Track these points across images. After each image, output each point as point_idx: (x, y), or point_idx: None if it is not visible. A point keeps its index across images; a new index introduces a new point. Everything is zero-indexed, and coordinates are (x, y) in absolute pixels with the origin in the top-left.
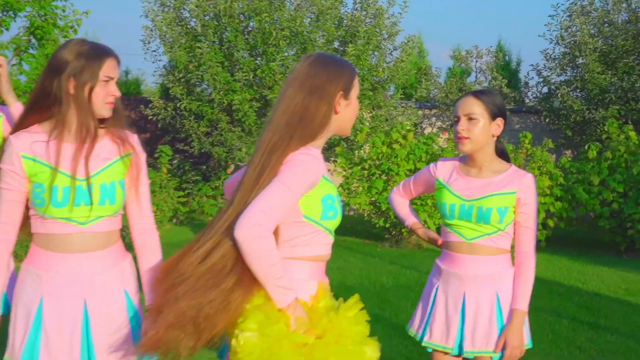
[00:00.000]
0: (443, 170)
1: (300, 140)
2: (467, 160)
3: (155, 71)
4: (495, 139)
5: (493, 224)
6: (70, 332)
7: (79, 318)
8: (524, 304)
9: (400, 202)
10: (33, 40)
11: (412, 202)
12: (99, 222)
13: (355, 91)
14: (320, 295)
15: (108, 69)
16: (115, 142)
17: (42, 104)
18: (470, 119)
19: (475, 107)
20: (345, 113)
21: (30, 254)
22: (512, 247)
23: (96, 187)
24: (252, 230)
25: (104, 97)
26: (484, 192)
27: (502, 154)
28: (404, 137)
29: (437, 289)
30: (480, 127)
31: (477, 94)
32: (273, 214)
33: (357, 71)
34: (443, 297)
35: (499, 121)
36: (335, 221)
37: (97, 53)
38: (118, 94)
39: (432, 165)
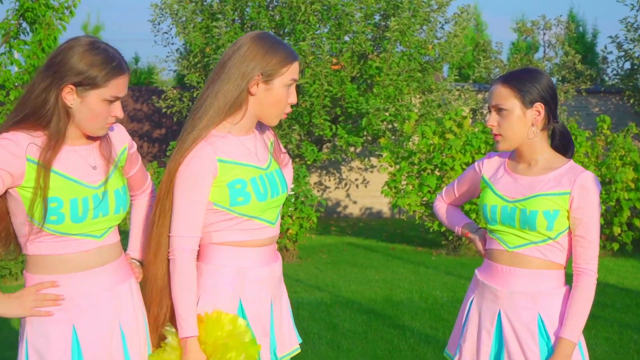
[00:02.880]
0: (489, 166)
1: (213, 116)
2: (515, 155)
3: (167, 56)
4: (548, 126)
5: (540, 230)
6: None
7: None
8: (573, 333)
9: (443, 208)
10: (24, 25)
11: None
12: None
13: (282, 80)
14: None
15: (116, 88)
16: (108, 141)
17: (37, 117)
18: (499, 110)
19: (503, 96)
20: (264, 98)
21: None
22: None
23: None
24: (172, 253)
25: (105, 118)
26: (530, 191)
27: (561, 140)
28: (459, 126)
29: (471, 303)
30: (512, 121)
31: (506, 79)
32: (187, 232)
33: (297, 60)
34: (476, 314)
35: (539, 106)
36: (249, 206)
37: (109, 68)
38: (120, 115)
39: (478, 161)
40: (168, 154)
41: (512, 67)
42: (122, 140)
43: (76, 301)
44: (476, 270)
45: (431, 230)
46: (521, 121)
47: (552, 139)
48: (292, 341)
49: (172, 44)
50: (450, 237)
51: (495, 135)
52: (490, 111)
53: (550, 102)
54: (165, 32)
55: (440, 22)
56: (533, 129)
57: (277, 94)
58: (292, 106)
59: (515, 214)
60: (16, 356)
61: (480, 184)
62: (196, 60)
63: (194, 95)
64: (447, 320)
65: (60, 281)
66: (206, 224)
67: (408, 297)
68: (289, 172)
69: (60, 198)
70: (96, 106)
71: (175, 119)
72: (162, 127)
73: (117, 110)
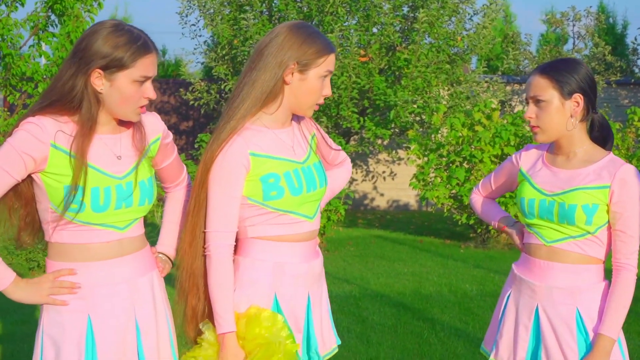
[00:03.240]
0: (527, 159)
1: (250, 106)
2: (553, 147)
3: (195, 48)
4: (587, 117)
5: (579, 225)
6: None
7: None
8: (612, 330)
9: (480, 201)
10: (53, 17)
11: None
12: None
13: (317, 72)
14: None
15: (145, 67)
16: (140, 130)
17: (64, 103)
18: (537, 101)
19: (541, 87)
20: (298, 88)
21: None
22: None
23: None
24: (208, 249)
25: (137, 100)
26: (569, 185)
27: (600, 131)
28: (488, 118)
29: (508, 298)
30: (551, 113)
31: (544, 70)
32: (222, 227)
33: (334, 52)
34: (513, 309)
35: (577, 97)
36: (283, 200)
37: (134, 48)
38: (153, 96)
39: (516, 153)
40: (196, 146)
41: (541, 59)
42: (155, 130)
43: (93, 290)
44: (513, 265)
45: (459, 223)
46: (560, 112)
47: (591, 130)
48: (330, 341)
49: (200, 36)
50: (479, 230)
51: (533, 127)
52: (527, 102)
53: (590, 93)
54: (193, 25)
55: (469, 14)
56: (572, 120)
57: (311, 85)
58: None
59: (554, 207)
60: None
61: (518, 177)
62: (224, 52)
63: (222, 87)
64: (477, 314)
65: (78, 269)
66: (241, 218)
67: (437, 290)
68: (344, 172)
69: (81, 186)
70: (126, 88)
71: (202, 112)
72: (189, 120)
73: (149, 91)
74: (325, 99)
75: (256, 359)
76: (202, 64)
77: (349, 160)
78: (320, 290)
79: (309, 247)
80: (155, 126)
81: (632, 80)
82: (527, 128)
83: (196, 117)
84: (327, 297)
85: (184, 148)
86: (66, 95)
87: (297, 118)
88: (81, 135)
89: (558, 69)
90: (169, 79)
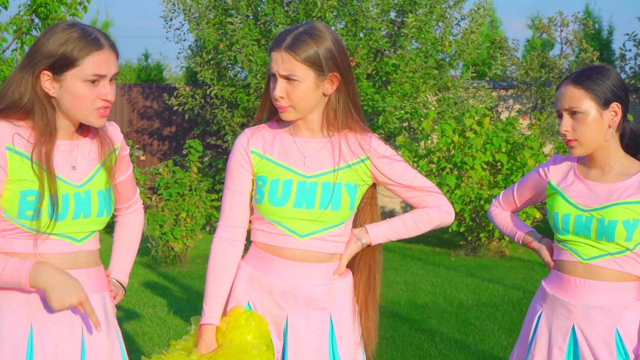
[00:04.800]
0: (556, 171)
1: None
2: (585, 159)
3: (179, 53)
4: (620, 127)
5: (618, 241)
6: None
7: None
8: None
9: (501, 214)
10: (36, 20)
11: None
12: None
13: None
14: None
15: (96, 65)
16: (98, 138)
17: (15, 109)
18: (573, 113)
19: (576, 98)
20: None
21: None
22: None
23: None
24: (213, 240)
25: (92, 102)
26: (607, 200)
27: (633, 139)
28: (479, 124)
29: (539, 317)
30: (589, 125)
31: (578, 80)
32: (226, 221)
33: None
34: (546, 329)
35: (615, 107)
36: (261, 206)
37: (82, 44)
38: (111, 97)
39: (542, 166)
40: (184, 152)
41: (528, 65)
42: (114, 140)
43: (40, 299)
44: (543, 282)
45: (449, 230)
46: (598, 124)
47: (622, 139)
48: None
49: (184, 40)
50: (469, 238)
51: (570, 140)
52: (560, 115)
53: (625, 101)
54: (177, 29)
55: (456, 19)
56: (610, 131)
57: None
58: None
59: (592, 223)
60: None
61: (547, 191)
62: (209, 57)
63: (207, 92)
64: (475, 325)
65: None
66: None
67: (432, 300)
68: (426, 214)
69: (37, 191)
70: (77, 89)
71: (186, 117)
72: (172, 125)
73: (105, 92)
74: None
75: (226, 352)
76: (185, 68)
77: (445, 206)
78: (308, 323)
79: (300, 269)
80: (114, 136)
81: None
82: (517, 134)
83: (179, 123)
84: (323, 341)
85: (168, 154)
86: (16, 101)
87: (350, 135)
88: (42, 143)
89: (592, 77)
90: (151, 83)
